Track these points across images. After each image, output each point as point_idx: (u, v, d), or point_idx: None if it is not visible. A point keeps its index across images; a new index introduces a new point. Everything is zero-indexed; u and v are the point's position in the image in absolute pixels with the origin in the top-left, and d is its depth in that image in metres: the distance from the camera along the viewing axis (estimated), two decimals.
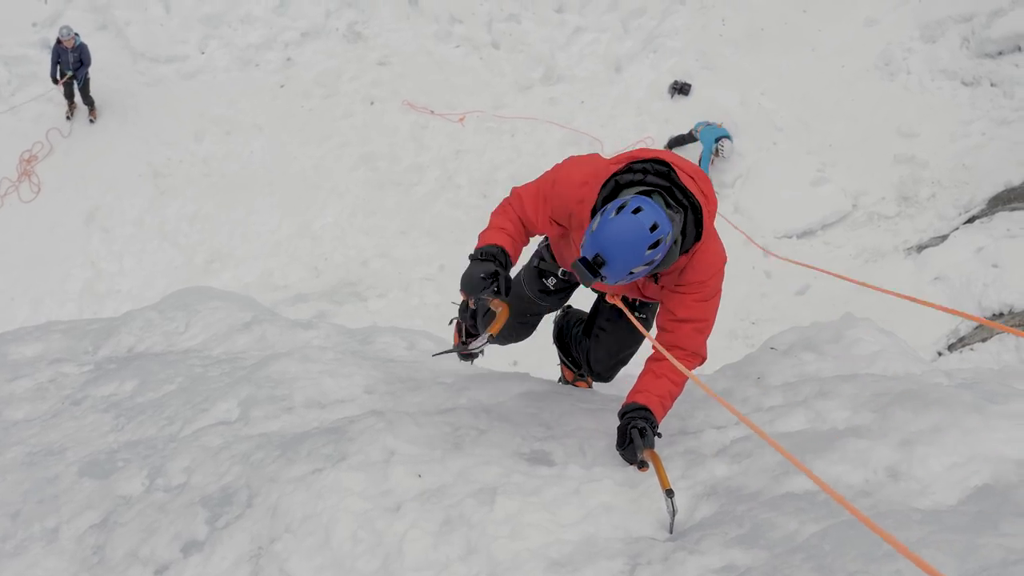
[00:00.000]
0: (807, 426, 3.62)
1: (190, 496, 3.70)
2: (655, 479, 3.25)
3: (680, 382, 3.53)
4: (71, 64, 13.48)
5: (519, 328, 4.49)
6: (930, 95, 13.65)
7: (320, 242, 13.03)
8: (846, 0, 14.85)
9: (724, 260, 3.51)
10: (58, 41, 13.43)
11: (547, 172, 3.63)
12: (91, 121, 14.28)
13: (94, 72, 13.94)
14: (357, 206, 13.40)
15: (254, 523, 3.40)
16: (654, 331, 3.66)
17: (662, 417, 3.54)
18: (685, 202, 3.21)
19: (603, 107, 14.51)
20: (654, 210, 3.04)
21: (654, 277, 3.47)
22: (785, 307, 11.66)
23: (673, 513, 3.09)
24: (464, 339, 3.75)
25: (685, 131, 13.58)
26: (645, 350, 3.86)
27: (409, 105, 14.51)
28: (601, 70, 14.88)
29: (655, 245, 3.03)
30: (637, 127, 14.08)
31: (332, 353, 5.07)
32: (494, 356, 5.44)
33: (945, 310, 3.20)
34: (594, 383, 5.17)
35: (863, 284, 4.24)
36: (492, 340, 3.56)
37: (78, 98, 14.06)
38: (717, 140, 13.10)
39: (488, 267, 3.43)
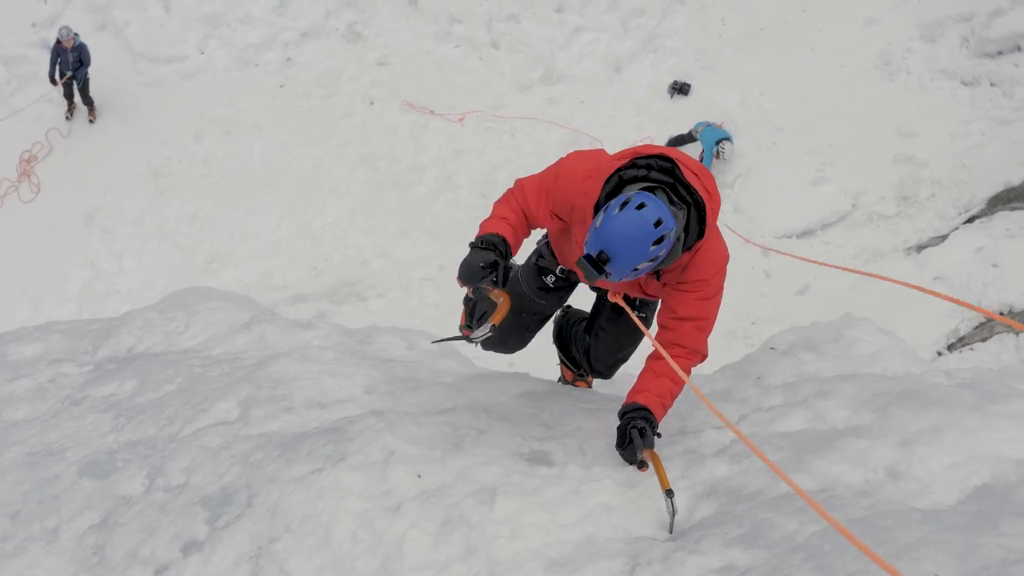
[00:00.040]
0: (807, 426, 3.62)
1: (190, 496, 3.70)
2: (655, 479, 3.24)
3: (680, 381, 3.53)
4: (71, 64, 13.47)
5: (515, 330, 4.37)
6: (930, 95, 13.66)
7: (320, 242, 13.03)
8: (846, 0, 14.85)
9: (726, 258, 3.49)
10: (57, 41, 13.43)
11: (551, 165, 3.62)
12: (91, 121, 14.27)
13: (94, 72, 13.94)
14: (357, 206, 13.40)
15: (254, 523, 3.40)
16: (655, 328, 3.65)
17: (662, 417, 3.54)
18: (689, 199, 3.19)
19: (603, 107, 14.51)
20: (658, 206, 3.03)
21: (656, 274, 3.47)
22: (785, 307, 11.66)
23: (673, 513, 3.09)
24: (468, 324, 3.71)
25: (685, 131, 13.59)
26: (645, 348, 3.84)
27: (409, 105, 14.51)
28: (601, 70, 14.88)
29: (659, 241, 3.02)
30: (637, 127, 14.08)
31: (332, 353, 5.07)
32: (494, 356, 5.44)
33: (954, 300, 3.19)
34: (594, 383, 5.17)
35: (867, 274, 4.23)
36: (493, 330, 3.51)
37: (78, 98, 14.05)
38: (718, 142, 13.09)
39: (488, 256, 3.41)
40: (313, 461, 3.63)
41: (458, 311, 3.65)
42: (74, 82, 13.76)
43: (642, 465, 3.38)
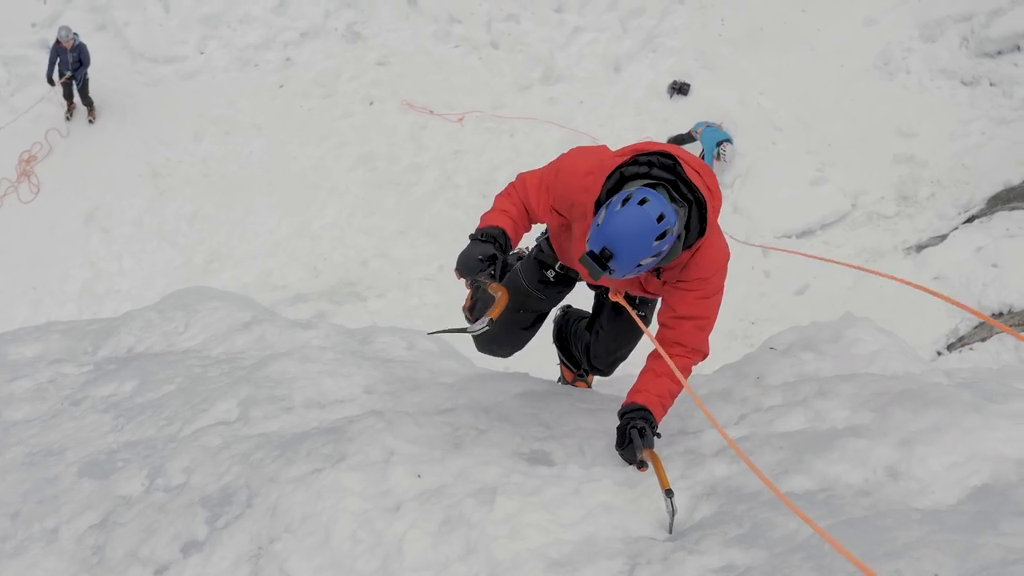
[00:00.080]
0: (806, 426, 3.62)
1: (190, 496, 3.70)
2: (654, 479, 3.24)
3: (680, 381, 3.52)
4: (70, 64, 13.47)
5: (512, 327, 4.31)
6: (929, 94, 13.65)
7: (319, 242, 13.03)
8: (845, 0, 14.86)
9: (727, 257, 3.48)
10: (57, 41, 13.42)
11: (553, 160, 3.61)
12: (90, 121, 14.27)
13: (93, 72, 13.93)
14: (356, 206, 13.40)
15: (254, 523, 3.40)
16: (656, 326, 3.64)
17: (662, 417, 3.53)
18: (690, 196, 3.19)
19: (602, 107, 14.51)
20: (660, 201, 3.02)
21: (656, 272, 3.46)
22: (784, 307, 11.67)
23: (672, 513, 3.09)
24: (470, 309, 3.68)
25: (684, 131, 13.58)
26: (645, 346, 3.83)
27: (408, 105, 14.51)
28: (600, 70, 14.87)
29: (662, 236, 3.01)
30: (636, 127, 14.07)
31: (331, 353, 5.07)
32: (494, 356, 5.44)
33: (951, 301, 3.19)
34: (594, 383, 5.18)
35: (868, 270, 4.23)
36: (490, 324, 3.50)
37: (77, 99, 14.05)
38: (719, 144, 13.09)
39: (487, 249, 3.41)
40: (313, 461, 3.63)
41: (457, 311, 3.63)
42: (73, 82, 13.76)
43: (642, 465, 3.37)
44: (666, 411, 3.57)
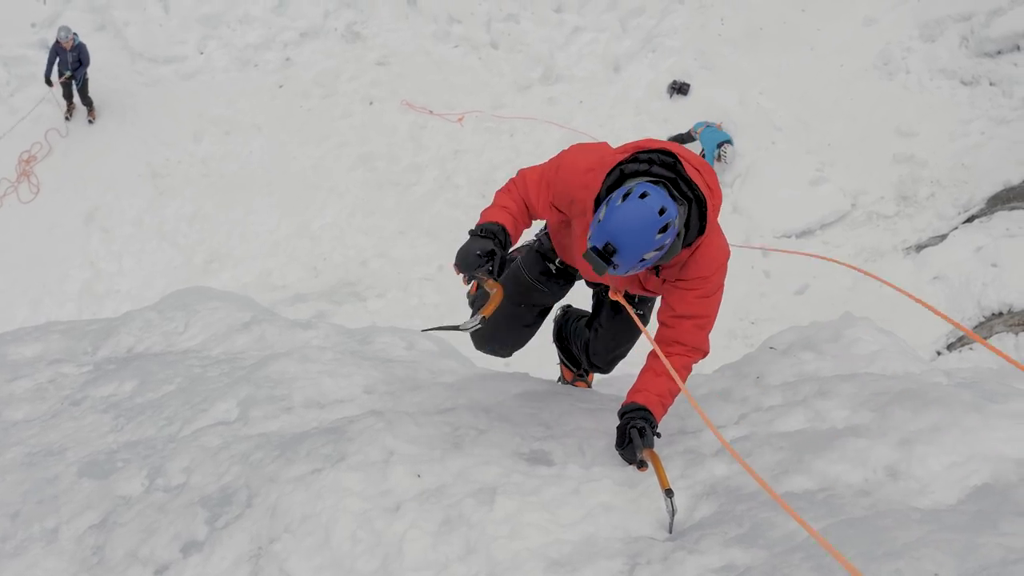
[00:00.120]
0: (806, 425, 3.62)
1: (189, 496, 3.70)
2: (654, 479, 3.24)
3: (680, 380, 3.51)
4: (70, 64, 13.47)
5: (512, 323, 4.25)
6: (929, 94, 13.65)
7: (319, 242, 13.03)
8: None
9: (727, 255, 3.48)
10: (56, 42, 13.41)
11: (553, 157, 3.60)
12: (90, 122, 14.27)
13: (93, 73, 13.93)
14: (356, 206, 13.41)
15: (253, 523, 3.40)
16: (655, 325, 3.63)
17: (661, 416, 3.53)
18: (690, 194, 3.18)
19: (602, 107, 14.51)
20: (660, 194, 3.02)
21: (655, 270, 3.45)
22: (784, 307, 11.67)
23: (672, 513, 3.09)
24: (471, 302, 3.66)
25: (684, 131, 13.58)
26: (645, 344, 3.82)
27: (408, 105, 14.51)
28: (600, 70, 14.87)
29: (664, 229, 3.01)
30: (636, 127, 14.07)
31: (331, 353, 5.07)
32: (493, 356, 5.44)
33: (936, 312, 3.20)
34: (593, 383, 5.17)
35: (866, 272, 4.24)
36: (483, 322, 3.50)
37: (77, 99, 14.05)
38: (719, 145, 13.09)
39: (486, 244, 3.40)
40: (312, 461, 3.62)
41: (457, 312, 3.64)
42: (73, 82, 13.76)
43: (642, 465, 3.37)
44: (666, 410, 3.57)
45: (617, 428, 3.52)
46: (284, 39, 15.10)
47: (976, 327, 10.98)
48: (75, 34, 13.42)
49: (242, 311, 6.34)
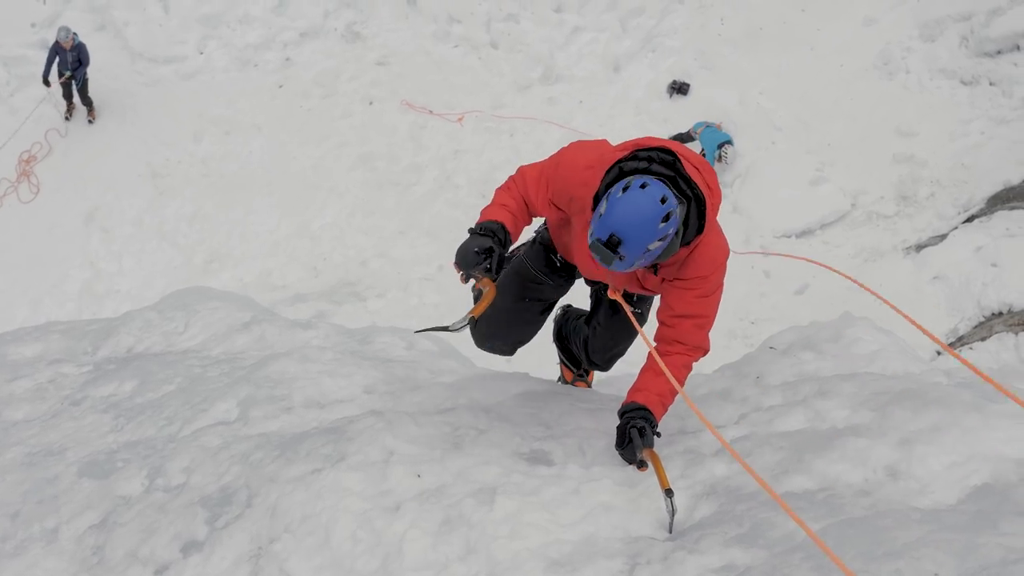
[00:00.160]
0: (806, 425, 3.62)
1: (189, 496, 3.70)
2: (654, 479, 3.24)
3: (681, 379, 3.51)
4: (69, 64, 13.47)
5: (515, 318, 4.21)
6: (929, 94, 13.66)
7: (319, 242, 13.03)
8: None
9: (726, 254, 3.47)
10: (56, 42, 13.41)
11: (553, 154, 3.60)
12: (90, 122, 14.27)
13: (93, 73, 13.93)
14: (356, 206, 13.41)
15: (253, 523, 3.40)
16: (654, 323, 3.62)
17: (662, 415, 3.53)
18: (689, 193, 3.17)
19: (602, 107, 14.51)
20: (659, 185, 3.02)
21: (653, 268, 3.44)
22: (784, 307, 11.66)
23: (672, 513, 3.09)
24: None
25: (683, 131, 13.59)
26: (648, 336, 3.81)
27: (408, 105, 14.51)
28: (600, 70, 14.88)
29: (667, 218, 3.00)
30: (636, 127, 14.06)
31: (331, 353, 5.07)
32: (493, 356, 5.43)
33: (918, 326, 3.22)
34: (593, 382, 5.17)
35: (858, 282, 4.23)
36: (471, 322, 3.50)
37: (76, 99, 14.05)
38: (720, 146, 13.09)
39: (484, 242, 3.40)
40: (312, 461, 3.62)
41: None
42: (73, 82, 13.76)
43: (641, 465, 3.37)
44: (666, 409, 3.56)
45: (617, 428, 3.51)
46: (284, 39, 15.11)
47: (976, 326, 10.98)
48: (75, 34, 13.42)
49: (242, 311, 6.34)
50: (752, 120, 13.89)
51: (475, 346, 4.41)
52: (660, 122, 14.07)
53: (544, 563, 2.94)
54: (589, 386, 5.11)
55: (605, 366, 4.55)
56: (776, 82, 14.30)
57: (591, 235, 3.07)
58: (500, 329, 4.21)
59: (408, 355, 5.72)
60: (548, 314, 4.36)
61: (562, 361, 5.03)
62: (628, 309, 3.76)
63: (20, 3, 14.86)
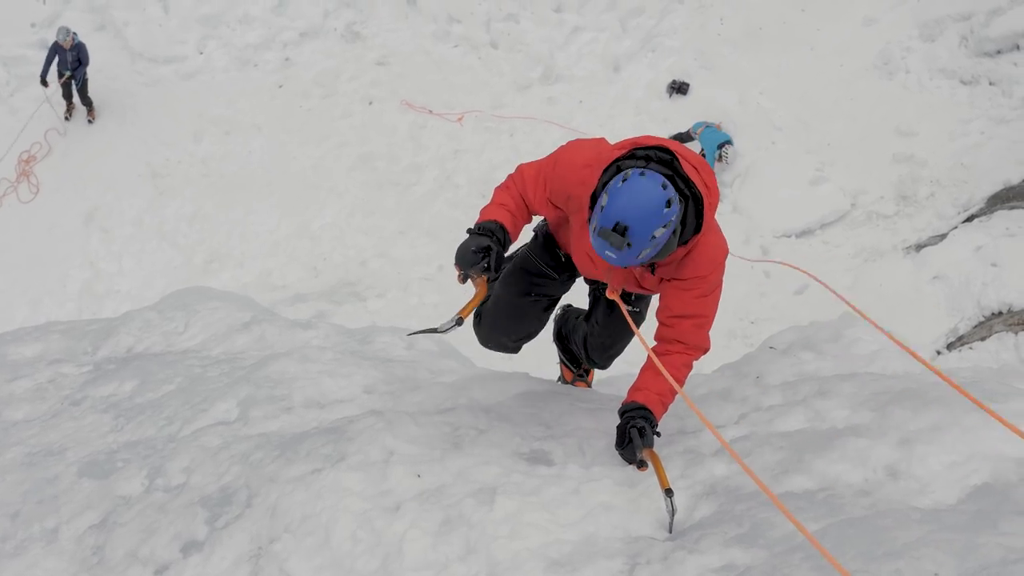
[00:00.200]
0: (806, 425, 3.62)
1: (189, 496, 3.70)
2: (654, 478, 3.24)
3: (681, 378, 3.51)
4: (69, 64, 13.47)
5: (519, 313, 4.16)
6: (929, 94, 13.66)
7: (319, 242, 13.03)
8: None
9: (725, 253, 3.46)
10: (56, 42, 13.41)
11: (551, 153, 3.59)
12: (89, 122, 14.27)
13: (92, 73, 13.93)
14: (356, 206, 13.41)
15: (253, 523, 3.40)
16: (652, 321, 3.62)
17: (662, 415, 3.52)
18: (687, 192, 3.16)
19: (601, 106, 14.52)
20: (657, 175, 3.03)
21: (651, 268, 3.44)
22: (784, 306, 11.67)
23: (672, 512, 3.09)
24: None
25: (683, 130, 13.59)
26: (646, 338, 3.80)
27: (407, 105, 14.51)
28: (599, 69, 14.88)
29: (669, 204, 2.99)
30: (635, 126, 14.07)
31: (331, 353, 5.07)
32: (493, 356, 5.44)
33: (897, 342, 3.23)
34: (593, 382, 5.17)
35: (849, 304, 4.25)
36: (459, 323, 3.49)
37: (76, 99, 14.05)
38: (720, 146, 13.09)
39: (482, 241, 3.41)
40: (312, 461, 3.63)
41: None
42: (73, 82, 13.76)
43: (641, 464, 3.37)
44: (667, 409, 3.55)
45: (617, 428, 3.51)
46: (284, 39, 15.11)
47: (976, 326, 10.98)
48: (74, 33, 13.42)
49: (242, 311, 6.35)
50: (752, 120, 13.89)
51: (479, 345, 4.41)
52: (660, 122, 14.08)
53: (544, 563, 2.94)
54: (589, 386, 5.11)
55: (604, 364, 4.55)
56: (776, 82, 14.30)
57: (595, 226, 3.04)
58: (505, 324, 4.19)
59: (408, 355, 5.72)
60: (551, 312, 4.34)
61: (562, 361, 5.03)
62: (625, 309, 3.76)
63: (20, 3, 14.87)
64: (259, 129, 14.27)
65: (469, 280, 3.49)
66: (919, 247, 12.22)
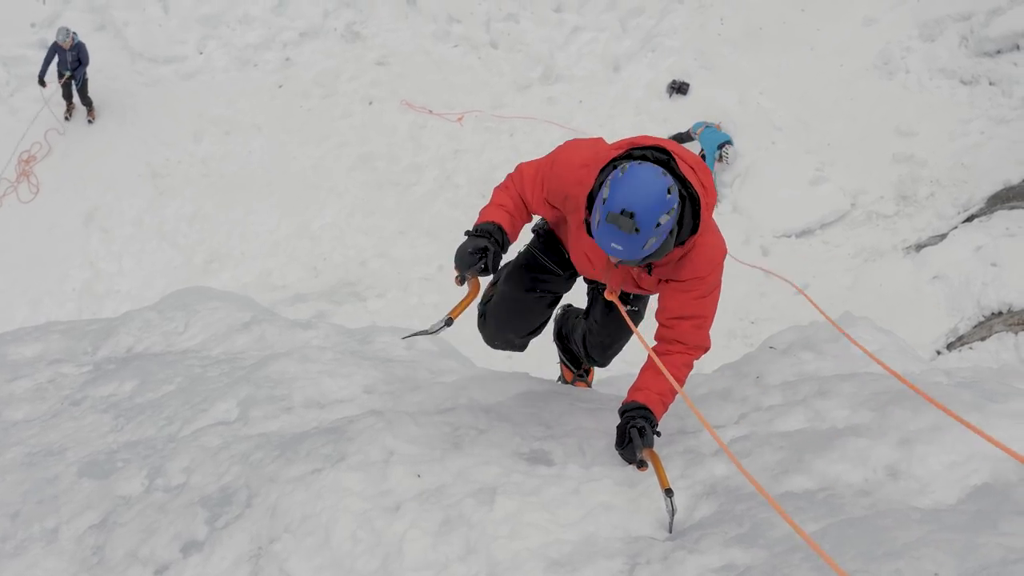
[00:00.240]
0: (806, 425, 3.62)
1: (189, 496, 3.70)
2: (654, 478, 3.24)
3: (681, 378, 3.51)
4: (69, 64, 13.47)
5: (521, 309, 4.16)
6: (929, 94, 13.66)
7: (319, 242, 13.03)
8: None
9: (723, 253, 3.46)
10: (55, 42, 13.41)
11: (549, 153, 3.59)
12: (89, 122, 14.27)
13: (92, 72, 13.93)
14: (356, 206, 13.41)
15: (253, 523, 3.40)
16: (651, 319, 3.61)
17: (662, 414, 3.52)
18: (683, 192, 3.16)
19: (601, 106, 14.51)
20: (655, 165, 3.03)
21: (648, 268, 3.44)
22: (784, 306, 11.66)
23: (672, 512, 3.09)
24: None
25: (683, 130, 13.59)
26: (646, 337, 3.80)
27: (407, 105, 14.51)
28: (599, 69, 14.88)
29: (670, 191, 2.98)
30: (635, 126, 14.07)
31: (331, 353, 5.07)
32: (492, 356, 5.44)
33: (873, 358, 3.24)
34: (594, 382, 5.18)
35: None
36: (449, 323, 3.49)
37: (76, 99, 14.05)
38: (720, 147, 13.09)
39: (479, 243, 3.41)
40: (312, 461, 3.63)
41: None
42: (73, 82, 13.75)
43: (641, 464, 3.37)
44: (667, 408, 3.55)
45: (617, 427, 3.51)
46: (284, 39, 15.11)
47: (976, 326, 10.98)
48: (74, 33, 13.41)
49: (242, 311, 6.35)
50: (752, 120, 13.89)
51: (485, 345, 4.41)
52: (660, 122, 14.07)
53: (544, 563, 2.94)
54: (589, 386, 5.11)
55: (603, 362, 4.55)
56: (776, 82, 14.30)
57: (598, 218, 3.00)
58: (510, 321, 4.19)
59: (408, 355, 5.72)
60: (553, 309, 4.34)
61: (562, 361, 5.03)
62: (623, 309, 3.75)
63: (20, 3, 14.87)
64: (259, 129, 14.27)
65: (466, 282, 3.51)
66: (919, 247, 12.22)
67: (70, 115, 14.23)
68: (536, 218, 3.95)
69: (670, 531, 3.09)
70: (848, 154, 13.29)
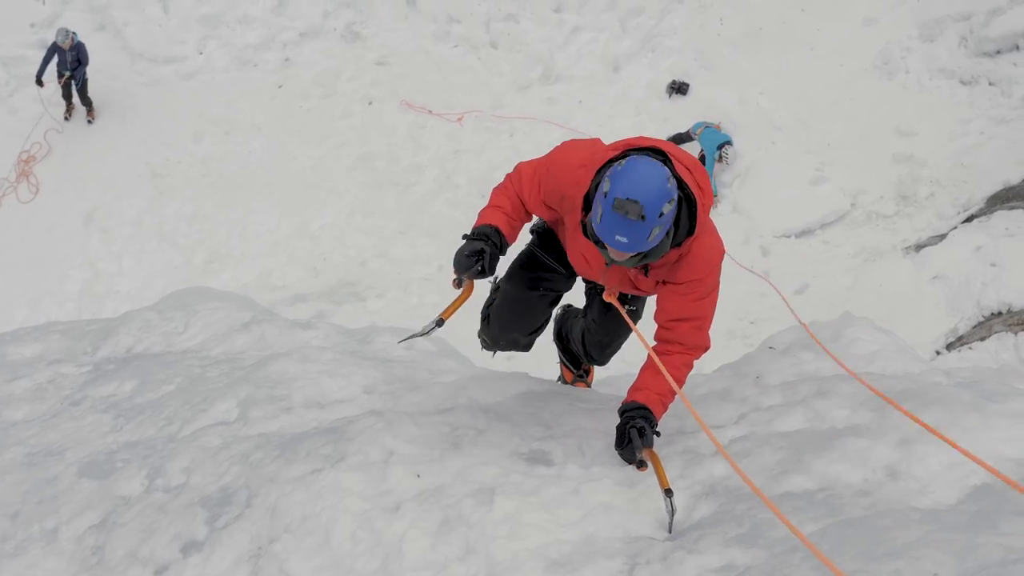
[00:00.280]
0: (806, 425, 3.62)
1: (189, 496, 3.70)
2: (654, 479, 3.24)
3: (681, 378, 3.51)
4: (69, 64, 13.47)
5: (523, 307, 4.16)
6: (928, 94, 13.66)
7: (319, 242, 13.03)
8: None
9: (721, 254, 3.44)
10: (55, 43, 13.41)
11: (547, 153, 3.59)
12: (89, 122, 14.27)
13: (92, 73, 13.93)
14: (356, 206, 13.41)
15: (253, 523, 3.40)
16: (649, 319, 3.61)
17: (662, 414, 3.52)
18: (680, 193, 3.15)
19: (601, 107, 14.51)
20: (653, 159, 3.03)
21: (644, 269, 3.43)
22: (783, 307, 11.63)
23: (672, 512, 3.09)
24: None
25: (683, 130, 13.58)
26: (645, 336, 3.79)
27: (407, 105, 14.51)
28: (599, 70, 14.88)
29: (669, 181, 2.97)
30: (635, 127, 14.07)
31: (331, 353, 5.07)
32: (492, 356, 5.44)
33: (854, 376, 3.25)
34: (593, 382, 5.18)
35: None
36: (440, 324, 3.50)
37: (76, 99, 14.05)
38: (720, 147, 13.08)
39: (476, 245, 3.43)
40: (312, 461, 3.63)
41: (457, 311, 3.65)
42: (72, 82, 13.75)
43: (641, 464, 3.37)
44: (666, 408, 3.55)
45: (616, 428, 3.51)
46: (284, 39, 15.11)
47: (976, 326, 10.98)
48: (74, 33, 13.41)
49: (242, 311, 6.35)
50: (752, 120, 13.89)
51: (488, 349, 4.43)
52: (660, 122, 14.07)
53: (543, 563, 2.94)
54: (589, 386, 5.11)
55: (602, 361, 4.55)
56: (776, 82, 14.30)
57: (601, 210, 2.97)
58: (514, 320, 4.19)
59: (408, 355, 5.71)
60: (554, 308, 4.34)
61: (562, 361, 5.03)
62: (622, 310, 3.75)
63: (20, 3, 14.87)
64: (259, 129, 14.27)
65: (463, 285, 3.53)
66: (919, 247, 12.22)
67: (70, 115, 14.23)
68: (535, 218, 3.95)
69: (670, 531, 3.09)
70: (848, 154, 13.29)
